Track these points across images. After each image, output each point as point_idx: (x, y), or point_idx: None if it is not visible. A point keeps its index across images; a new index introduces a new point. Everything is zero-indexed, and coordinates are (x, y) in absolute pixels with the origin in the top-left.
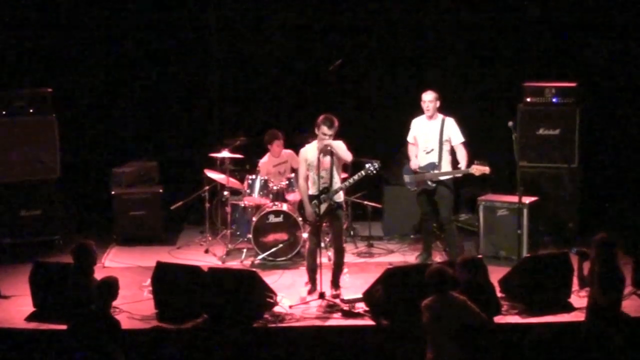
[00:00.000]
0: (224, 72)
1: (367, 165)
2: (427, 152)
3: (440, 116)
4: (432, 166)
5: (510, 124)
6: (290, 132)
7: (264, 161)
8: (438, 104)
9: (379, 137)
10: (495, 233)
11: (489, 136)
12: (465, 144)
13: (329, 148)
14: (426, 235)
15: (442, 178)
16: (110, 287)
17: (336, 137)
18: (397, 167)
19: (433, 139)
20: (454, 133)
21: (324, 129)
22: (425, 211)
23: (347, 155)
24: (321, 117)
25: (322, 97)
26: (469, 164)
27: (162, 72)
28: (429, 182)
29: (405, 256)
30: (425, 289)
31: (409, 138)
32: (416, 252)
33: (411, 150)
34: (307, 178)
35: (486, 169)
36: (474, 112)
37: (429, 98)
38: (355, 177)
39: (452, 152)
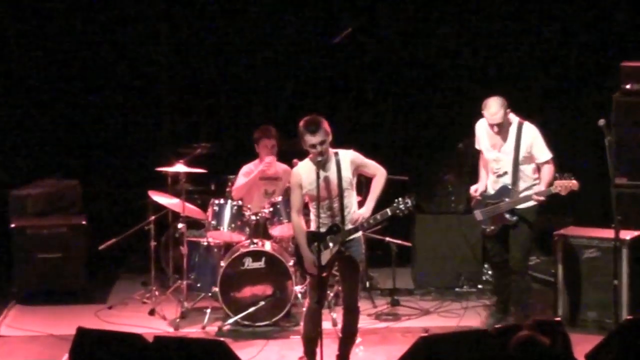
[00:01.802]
0: (173, 53)
1: (395, 203)
2: (498, 175)
3: (514, 121)
4: (505, 191)
5: (601, 123)
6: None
7: (246, 170)
8: (508, 112)
9: (409, 143)
10: (580, 284)
11: (567, 141)
12: (554, 161)
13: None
14: (501, 286)
15: (522, 206)
16: None
17: (335, 143)
18: (435, 187)
19: (506, 157)
20: (538, 146)
21: (308, 138)
22: (497, 252)
23: (375, 168)
24: (301, 123)
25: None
26: (551, 183)
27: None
28: (508, 216)
29: (447, 319)
30: None
31: (478, 145)
32: (463, 314)
33: (483, 163)
34: (301, 210)
35: (573, 184)
36: (542, 106)
37: (493, 113)
38: (378, 216)
39: (533, 170)
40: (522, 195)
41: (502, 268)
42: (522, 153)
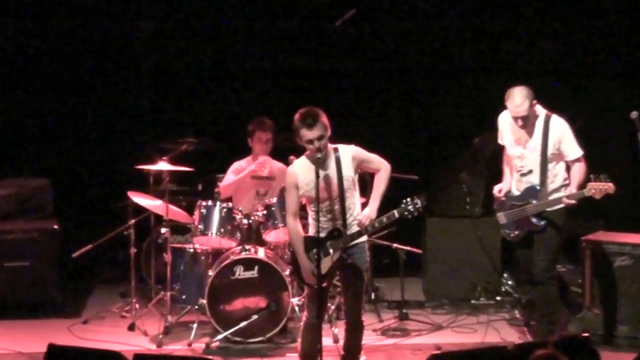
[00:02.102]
0: (155, 38)
1: (403, 204)
2: (522, 174)
3: (541, 114)
4: (532, 192)
5: (633, 115)
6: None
7: (237, 167)
8: (534, 105)
9: (419, 138)
10: (610, 296)
11: (595, 136)
12: (585, 159)
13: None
14: (540, 303)
15: (550, 209)
16: None
17: (335, 138)
18: (449, 187)
19: (532, 154)
20: (568, 142)
21: (305, 132)
22: (524, 259)
23: (379, 162)
24: (297, 116)
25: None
26: (583, 184)
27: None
28: (535, 220)
29: (462, 335)
30: None
31: (501, 141)
32: (485, 330)
33: (505, 160)
34: (298, 214)
35: (609, 187)
36: (570, 98)
37: (517, 105)
38: (384, 219)
39: (562, 168)
40: (551, 197)
41: (529, 276)
42: (550, 150)
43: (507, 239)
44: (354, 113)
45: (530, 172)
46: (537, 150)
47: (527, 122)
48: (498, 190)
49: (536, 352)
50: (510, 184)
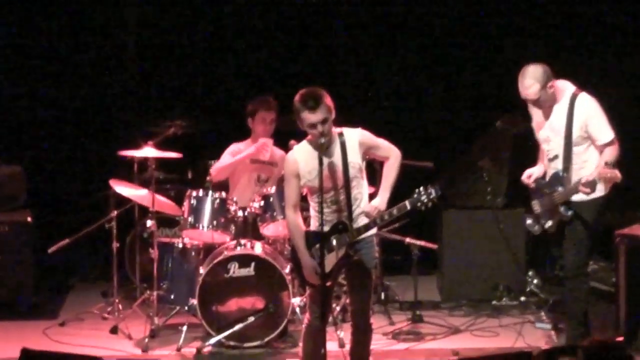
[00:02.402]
0: (141, 11)
1: (416, 194)
2: (549, 159)
3: (567, 92)
4: (557, 179)
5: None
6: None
7: (234, 149)
8: (549, 87)
9: (435, 122)
10: None
11: (629, 120)
12: (617, 142)
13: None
14: (570, 300)
15: (576, 198)
16: None
17: (339, 121)
18: (467, 176)
19: (556, 137)
20: (596, 124)
21: (307, 115)
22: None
23: (388, 149)
24: (297, 97)
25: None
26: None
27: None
28: (562, 210)
29: (482, 339)
30: None
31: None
32: (506, 333)
33: (541, 148)
34: (298, 205)
35: (615, 175)
36: (602, 76)
37: (525, 86)
38: (395, 211)
39: (595, 154)
40: (574, 183)
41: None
42: (576, 132)
43: (544, 229)
44: (361, 94)
45: (555, 157)
46: (562, 133)
47: (539, 105)
48: (527, 175)
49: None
50: (543, 169)
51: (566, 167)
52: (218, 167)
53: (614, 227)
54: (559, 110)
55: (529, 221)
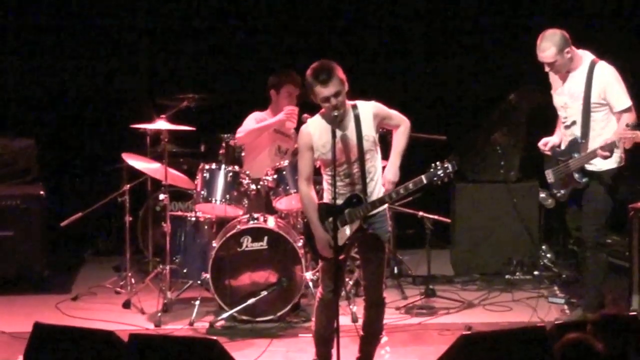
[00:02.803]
0: None
1: (433, 168)
2: (566, 126)
3: (585, 61)
4: (574, 145)
5: None
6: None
7: (258, 117)
8: (567, 52)
9: (448, 94)
10: None
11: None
12: (634, 110)
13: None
14: (589, 270)
15: (590, 168)
16: None
17: (352, 95)
18: (481, 150)
19: (574, 103)
20: (614, 91)
21: (319, 89)
22: (574, 221)
23: (400, 118)
24: (309, 71)
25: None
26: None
27: None
28: (577, 176)
29: (495, 313)
30: None
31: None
32: (519, 307)
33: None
34: (312, 179)
35: (636, 134)
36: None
37: (542, 49)
38: (410, 185)
39: (612, 121)
40: (590, 150)
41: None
42: (594, 98)
43: (556, 199)
44: (374, 67)
45: (573, 123)
46: (580, 99)
47: (556, 70)
48: (543, 143)
49: (567, 335)
50: (559, 138)
51: (584, 133)
52: (246, 130)
53: (627, 201)
54: (578, 77)
55: (542, 195)
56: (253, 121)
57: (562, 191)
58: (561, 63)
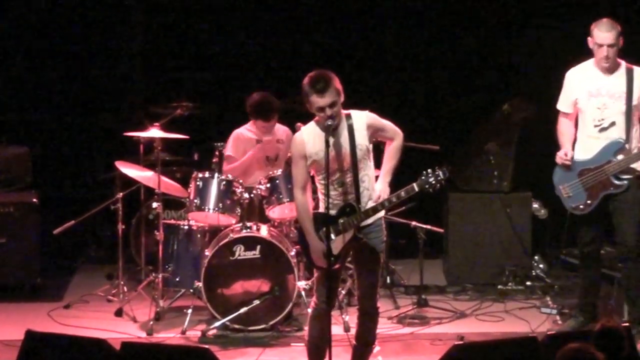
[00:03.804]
0: None
1: (424, 176)
2: (602, 129)
3: (622, 65)
4: (614, 148)
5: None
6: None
7: (238, 136)
8: (621, 41)
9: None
10: None
11: None
12: None
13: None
14: (588, 280)
15: (636, 166)
16: None
17: (347, 104)
18: (474, 159)
19: (615, 103)
20: None
21: (315, 99)
22: (593, 238)
23: (394, 131)
24: (306, 80)
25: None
26: None
27: None
28: (615, 180)
29: (487, 323)
30: None
31: (563, 104)
32: (510, 318)
33: (564, 128)
34: (307, 187)
35: None
36: None
37: (608, 37)
38: (402, 193)
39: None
40: (635, 152)
41: (595, 259)
42: (635, 99)
43: (577, 213)
44: (368, 76)
45: (612, 124)
46: (622, 99)
47: (613, 63)
48: (565, 153)
49: (569, 345)
50: (569, 152)
51: (626, 135)
52: (230, 168)
53: None
54: (617, 78)
55: (535, 205)
56: (236, 143)
57: (588, 201)
58: (616, 51)
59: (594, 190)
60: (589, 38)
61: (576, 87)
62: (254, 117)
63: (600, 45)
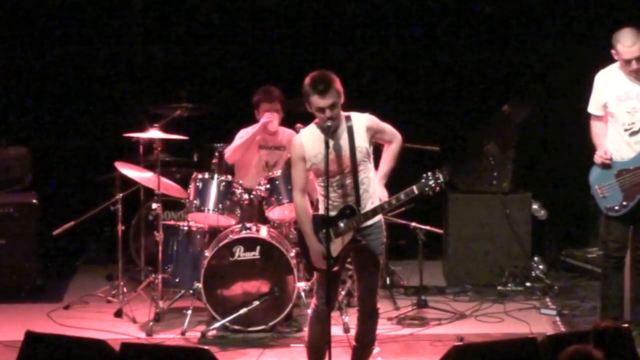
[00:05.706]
0: None
1: (424, 179)
2: (632, 132)
3: None
4: None
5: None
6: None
7: (243, 133)
8: None
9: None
10: None
11: None
12: None
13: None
14: (617, 285)
15: None
16: None
17: (347, 106)
18: (473, 160)
19: None
20: None
21: (316, 100)
22: (623, 241)
23: (392, 134)
24: (307, 80)
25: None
26: None
27: None
28: None
29: (487, 324)
30: None
31: (593, 107)
32: (509, 319)
33: (598, 129)
34: (306, 189)
35: None
36: None
37: (635, 50)
38: (402, 195)
39: None
40: None
41: (619, 261)
42: None
43: (613, 214)
44: (367, 77)
45: None
46: None
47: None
48: (604, 152)
49: (571, 347)
50: (606, 153)
51: None
52: (232, 148)
53: None
54: None
55: (535, 206)
56: (239, 139)
57: (624, 203)
58: None
59: (631, 192)
60: (612, 51)
61: (605, 91)
62: (258, 99)
63: (629, 61)
